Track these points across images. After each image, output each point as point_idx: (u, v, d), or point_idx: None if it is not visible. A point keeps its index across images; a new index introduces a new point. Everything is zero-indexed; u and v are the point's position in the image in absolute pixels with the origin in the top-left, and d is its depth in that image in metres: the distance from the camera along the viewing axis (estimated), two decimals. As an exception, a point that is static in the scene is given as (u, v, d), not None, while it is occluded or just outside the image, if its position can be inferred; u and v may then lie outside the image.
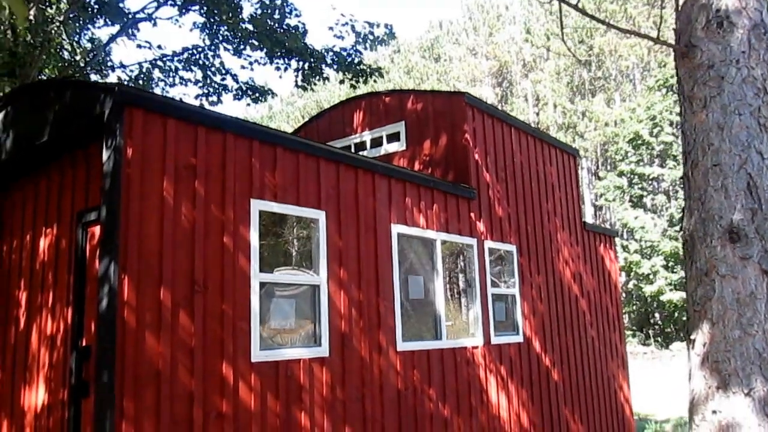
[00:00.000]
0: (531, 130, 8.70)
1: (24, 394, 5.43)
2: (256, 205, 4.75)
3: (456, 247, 7.01)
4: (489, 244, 7.32)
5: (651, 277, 29.41)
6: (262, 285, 4.73)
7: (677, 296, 28.57)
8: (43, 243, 5.49)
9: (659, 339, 30.87)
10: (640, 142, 31.69)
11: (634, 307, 32.70)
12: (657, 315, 32.23)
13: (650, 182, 32.59)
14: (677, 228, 30.07)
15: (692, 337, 3.27)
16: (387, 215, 5.94)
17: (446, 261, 6.95)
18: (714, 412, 3.01)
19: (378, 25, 10.60)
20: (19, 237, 5.82)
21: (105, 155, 4.02)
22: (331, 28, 10.65)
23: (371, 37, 10.54)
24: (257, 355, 4.56)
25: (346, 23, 10.59)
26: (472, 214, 7.14)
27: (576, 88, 40.37)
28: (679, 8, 3.66)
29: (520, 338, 7.59)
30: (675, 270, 29.35)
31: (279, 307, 4.85)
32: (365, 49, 10.47)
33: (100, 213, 4.13)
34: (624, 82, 39.11)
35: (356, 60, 10.53)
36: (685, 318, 29.18)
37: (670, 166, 31.22)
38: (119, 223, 3.88)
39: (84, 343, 4.89)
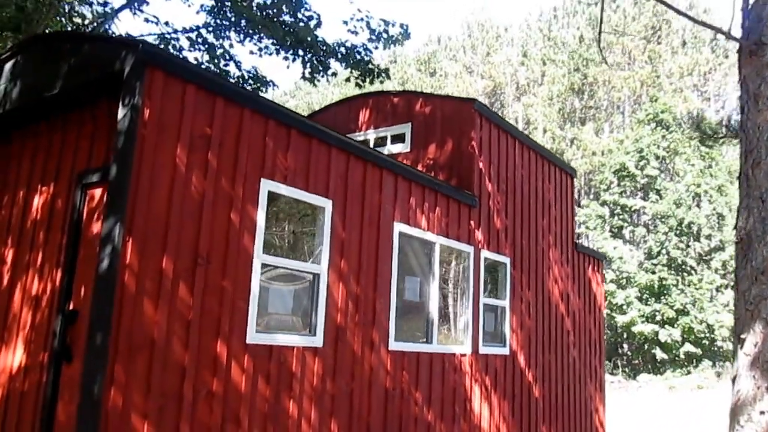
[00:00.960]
0: (533, 144, 8.70)
1: (0, 354, 5.22)
2: (266, 186, 4.64)
3: (453, 252, 6.95)
4: (485, 253, 7.28)
5: (624, 307, 29.67)
6: (264, 267, 4.61)
7: (648, 328, 28.85)
8: (38, 201, 5.32)
9: (626, 369, 31.11)
10: (625, 173, 32.04)
11: (605, 336, 32.94)
12: (626, 346, 32.51)
13: (631, 214, 32.95)
14: (654, 261, 30.37)
15: (742, 336, 3.22)
16: (391, 212, 5.87)
17: (442, 265, 6.88)
18: (762, 412, 2.97)
19: (393, 24, 10.52)
20: (11, 192, 5.63)
21: (121, 113, 3.89)
22: (345, 22, 10.56)
23: (385, 35, 10.47)
24: (252, 336, 4.44)
25: (362, 19, 10.52)
26: (472, 222, 7.09)
27: (567, 115, 40.78)
28: (749, 6, 3.64)
29: (506, 351, 7.55)
30: (648, 302, 29.65)
31: (278, 292, 4.74)
32: (376, 48, 10.41)
33: (107, 172, 4.00)
34: (614, 113, 39.61)
35: (366, 58, 10.45)
36: (657, 349, 29.49)
37: (652, 200, 31.60)
38: (129, 183, 3.75)
39: (71, 307, 4.72)
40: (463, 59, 47.23)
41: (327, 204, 5.16)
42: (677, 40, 33.75)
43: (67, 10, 8.72)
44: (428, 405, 6.12)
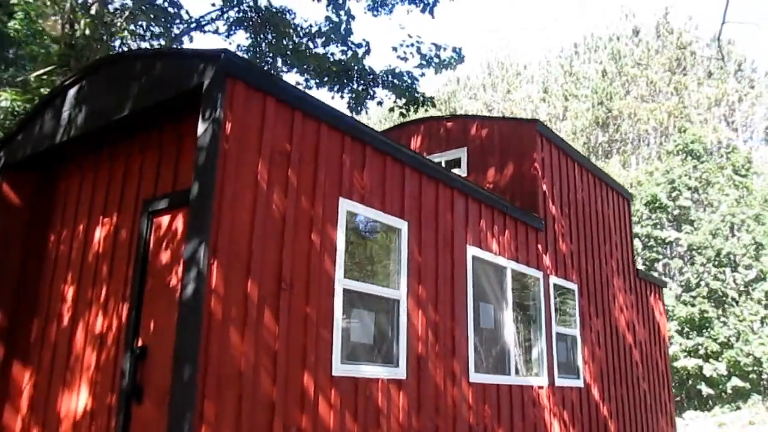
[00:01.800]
0: (592, 167, 8.39)
1: (62, 398, 4.92)
2: (344, 205, 4.36)
3: (523, 278, 6.58)
4: (554, 279, 6.90)
5: (665, 342, 28.66)
6: (345, 292, 4.29)
7: (692, 363, 27.79)
8: (100, 233, 5.09)
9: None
10: (657, 205, 31.43)
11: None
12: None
13: (665, 246, 32.20)
14: (693, 293, 29.50)
15: None
16: (463, 235, 5.55)
17: (512, 292, 6.51)
18: None
19: (445, 48, 10.36)
20: (70, 225, 5.41)
21: (201, 128, 3.66)
22: (395, 48, 10.42)
23: (437, 60, 10.30)
24: (338, 368, 4.10)
25: (412, 44, 10.36)
26: (539, 246, 6.74)
27: (592, 148, 40.44)
28: None
29: (580, 383, 7.08)
30: (690, 336, 28.66)
31: (360, 319, 4.41)
32: (423, 75, 10.19)
33: (177, 198, 3.75)
34: (641, 145, 39.20)
35: (413, 84, 10.24)
36: (702, 384, 28.31)
37: (686, 231, 30.90)
38: (212, 202, 3.49)
39: (140, 343, 4.43)
40: (483, 97, 47.39)
41: (403, 225, 4.86)
42: (702, 71, 33.54)
43: (118, 45, 8.75)
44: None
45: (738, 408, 28.25)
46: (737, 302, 29.69)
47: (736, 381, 28.16)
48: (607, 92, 36.22)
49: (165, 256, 4.48)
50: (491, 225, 5.94)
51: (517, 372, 5.97)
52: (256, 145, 3.82)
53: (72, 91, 4.96)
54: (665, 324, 10.03)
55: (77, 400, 4.77)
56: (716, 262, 29.49)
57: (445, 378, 5.01)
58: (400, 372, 4.58)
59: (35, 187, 5.71)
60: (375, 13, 9.95)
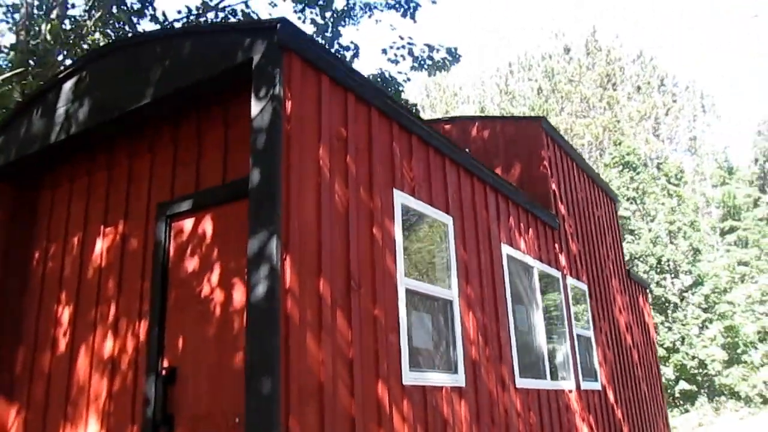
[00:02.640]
0: (586, 166, 8.28)
1: (64, 437, 4.23)
2: (399, 198, 3.96)
3: (546, 278, 6.32)
4: (569, 280, 6.67)
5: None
6: (407, 293, 3.87)
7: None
8: (101, 244, 4.47)
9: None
10: (599, 216, 32.24)
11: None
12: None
13: (609, 256, 33.01)
14: (640, 301, 30.23)
15: None
16: (497, 233, 5.23)
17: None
18: None
19: (438, 49, 10.01)
20: (60, 239, 4.76)
21: (256, 108, 3.19)
22: (384, 51, 10.01)
23: (430, 61, 9.95)
24: (408, 377, 3.66)
25: (403, 46, 9.95)
26: (556, 245, 6.51)
27: (530, 164, 41.23)
28: None
29: (598, 386, 6.85)
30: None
31: (420, 322, 3.99)
32: (419, 74, 9.81)
33: (203, 198, 3.26)
34: (577, 160, 40.24)
35: (400, 90, 9.88)
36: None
37: (628, 240, 31.81)
38: (280, 188, 3.02)
39: (167, 364, 3.85)
40: (424, 117, 47.73)
41: (449, 221, 4.49)
42: (631, 86, 34.94)
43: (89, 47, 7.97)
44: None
45: (686, 411, 29.01)
46: (679, 307, 30.70)
47: (683, 384, 28.95)
48: (543, 109, 37.18)
49: (191, 264, 3.94)
50: (518, 223, 5.65)
51: (551, 376, 5.66)
52: (315, 128, 3.38)
53: (68, 84, 4.36)
54: (653, 325, 10.01)
55: (85, 438, 4.11)
56: (658, 269, 30.44)
57: (496, 384, 4.64)
58: (460, 379, 4.18)
59: (14, 199, 5.01)
60: (352, 20, 9.60)
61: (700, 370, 29.35)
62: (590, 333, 6.96)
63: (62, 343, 4.50)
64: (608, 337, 7.59)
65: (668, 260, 30.57)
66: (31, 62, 7.15)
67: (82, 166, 4.80)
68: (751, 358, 29.04)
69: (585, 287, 7.09)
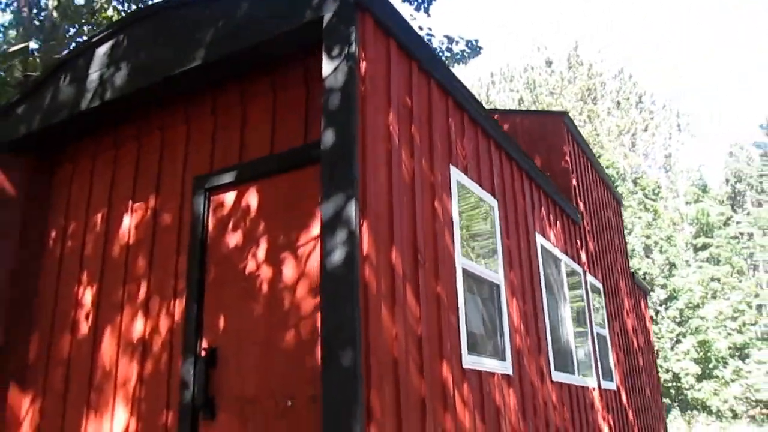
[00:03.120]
0: (598, 164, 8.25)
1: (87, 423, 3.95)
2: (455, 174, 3.81)
3: (571, 273, 6.22)
4: (589, 277, 6.59)
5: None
6: (463, 272, 3.72)
7: (620, 382, 28.51)
8: (128, 221, 4.22)
9: None
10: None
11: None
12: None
13: (586, 269, 33.22)
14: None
15: None
16: (533, 222, 5.12)
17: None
18: None
19: (457, 41, 9.85)
20: (81, 216, 4.49)
21: (328, 67, 3.02)
22: None
23: (448, 53, 9.79)
24: (467, 360, 3.49)
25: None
26: (578, 241, 6.42)
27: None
28: None
29: (614, 386, 6.76)
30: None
31: (474, 304, 3.83)
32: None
33: (244, 170, 3.07)
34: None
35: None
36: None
37: (606, 254, 32.05)
38: (356, 150, 2.84)
39: (206, 345, 3.63)
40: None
41: (495, 203, 4.36)
42: (611, 101, 35.46)
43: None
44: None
45: (661, 423, 29.30)
46: (655, 321, 31.05)
47: (657, 397, 29.24)
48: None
49: (233, 239, 3.73)
50: (548, 214, 5.55)
51: (578, 372, 5.55)
52: (385, 93, 3.22)
53: (103, 49, 4.12)
54: (651, 330, 10.00)
55: (111, 424, 3.85)
56: (634, 282, 30.79)
57: (536, 375, 4.50)
58: (508, 367, 4.03)
59: (31, 174, 4.73)
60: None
61: (674, 384, 29.69)
62: (606, 332, 6.88)
63: (84, 326, 4.23)
64: (620, 339, 7.52)
65: (644, 274, 30.93)
66: (34, 40, 6.84)
67: (107, 139, 4.56)
68: (722, 373, 29.47)
69: (600, 286, 7.02)
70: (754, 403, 28.56)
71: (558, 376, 4.91)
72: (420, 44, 3.54)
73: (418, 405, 2.93)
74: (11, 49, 6.53)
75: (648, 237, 31.52)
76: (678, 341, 31.53)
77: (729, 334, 29.89)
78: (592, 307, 6.37)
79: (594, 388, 5.90)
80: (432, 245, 3.38)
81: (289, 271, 3.41)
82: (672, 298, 31.65)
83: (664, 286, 31.59)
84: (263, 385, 3.34)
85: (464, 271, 3.70)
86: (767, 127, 42.71)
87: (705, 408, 29.87)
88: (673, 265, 31.31)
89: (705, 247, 34.81)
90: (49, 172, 4.79)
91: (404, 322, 2.95)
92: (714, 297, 31.84)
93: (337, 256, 2.73)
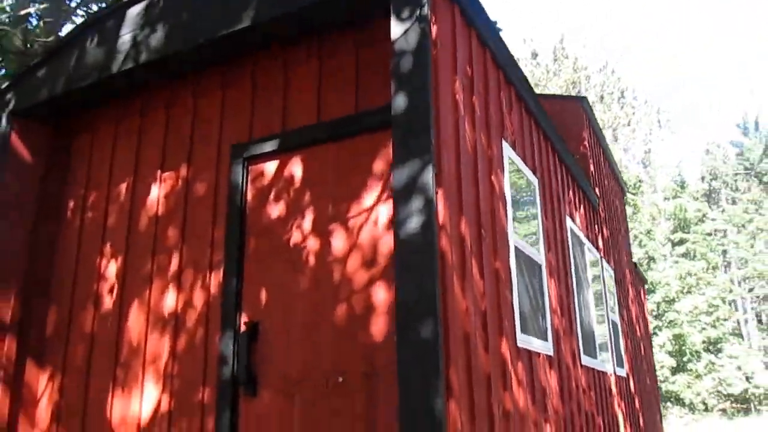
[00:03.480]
0: (610, 154, 8.23)
1: (112, 402, 3.78)
2: (506, 149, 3.71)
3: (590, 258, 6.17)
4: (605, 263, 6.56)
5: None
6: (515, 250, 3.62)
7: (597, 373, 28.92)
8: (157, 191, 4.04)
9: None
10: (559, 221, 32.74)
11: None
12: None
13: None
14: (596, 306, 30.85)
15: None
16: (564, 204, 5.04)
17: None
18: None
19: None
20: (104, 185, 4.29)
21: (398, 29, 2.88)
22: None
23: None
24: (520, 339, 3.41)
25: None
26: (596, 226, 6.38)
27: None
28: None
29: (624, 373, 6.76)
30: (594, 347, 29.86)
31: (522, 282, 3.74)
32: None
33: (287, 138, 2.94)
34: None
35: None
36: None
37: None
38: (430, 114, 2.71)
39: (246, 319, 3.48)
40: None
41: (536, 182, 4.27)
42: (594, 96, 35.69)
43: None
44: (605, 434, 5.17)
45: (635, 414, 29.79)
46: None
47: (633, 388, 29.71)
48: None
49: (275, 210, 3.58)
50: (574, 197, 5.49)
51: (598, 357, 5.51)
52: (452, 60, 3.10)
53: (136, 9, 3.91)
54: (649, 320, 10.07)
55: (141, 402, 3.68)
56: (613, 276, 31.17)
57: (570, 358, 4.44)
58: (550, 348, 3.96)
59: (50, 142, 4.51)
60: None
61: (650, 375, 30.21)
62: (617, 319, 6.87)
63: (108, 300, 4.04)
64: (627, 327, 7.53)
65: (623, 267, 31.32)
66: (35, 6, 6.54)
67: (132, 105, 4.35)
68: (696, 366, 30.03)
69: (613, 273, 7.00)
70: (725, 397, 29.18)
71: (585, 360, 4.86)
72: (480, 12, 3.41)
73: (485, 382, 2.83)
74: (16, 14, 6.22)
75: (629, 230, 31.90)
76: (654, 334, 32.05)
77: (703, 328, 30.45)
78: (608, 293, 6.34)
79: (611, 374, 5.87)
80: (491, 220, 3.28)
81: (339, 243, 3.28)
82: (650, 291, 32.13)
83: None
84: (311, 361, 3.21)
85: (515, 248, 3.61)
86: (743, 126, 43.53)
87: (678, 400, 30.46)
88: (652, 259, 31.76)
89: (682, 242, 35.37)
90: (67, 139, 4.57)
91: (472, 296, 2.84)
92: (689, 292, 32.42)
93: (414, 223, 2.60)
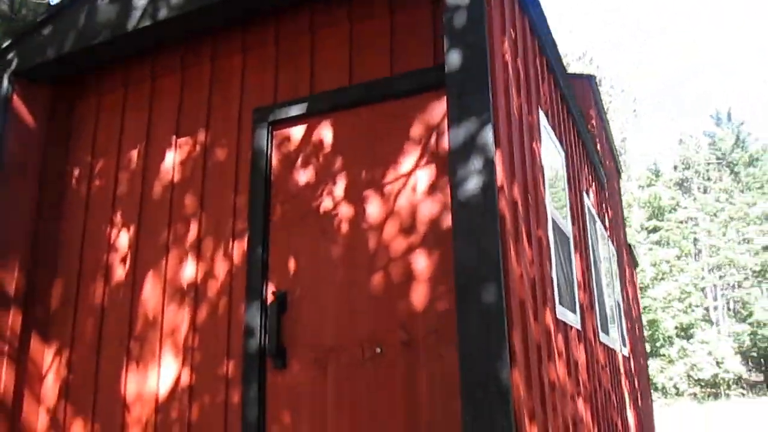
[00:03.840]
0: (610, 134, 8.20)
1: (126, 377, 3.60)
2: (543, 120, 3.60)
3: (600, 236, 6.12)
4: (609, 242, 6.53)
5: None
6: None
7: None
8: (172, 157, 3.85)
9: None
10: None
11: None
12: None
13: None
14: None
15: None
16: (582, 180, 4.98)
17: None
18: None
19: None
20: (113, 152, 4.08)
21: (451, -16, 2.73)
22: None
23: None
24: (558, 310, 3.32)
25: None
26: (603, 205, 6.34)
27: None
28: None
29: (627, 351, 6.77)
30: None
31: (556, 253, 3.65)
32: None
33: (316, 101, 2.80)
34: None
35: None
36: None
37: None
38: (488, 71, 2.58)
39: (274, 289, 3.33)
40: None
41: (563, 155, 4.18)
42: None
43: None
44: (618, 411, 5.14)
45: (608, 398, 30.34)
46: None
47: (607, 372, 30.23)
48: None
49: (303, 176, 3.43)
50: (588, 174, 5.43)
51: (610, 335, 5.49)
52: (502, 19, 2.97)
53: (154, -38, 3.68)
54: (640, 302, 10.14)
55: (158, 377, 3.52)
56: (589, 262, 31.55)
57: (591, 333, 4.38)
58: (578, 321, 3.89)
59: (53, 105, 4.27)
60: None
61: (624, 360, 30.75)
62: (620, 299, 6.86)
63: (120, 271, 3.85)
64: (624, 307, 7.54)
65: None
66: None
67: (143, 68, 4.13)
68: (668, 351, 30.69)
69: (615, 253, 6.99)
70: (696, 382, 29.89)
71: (602, 337, 4.82)
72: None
73: (536, 351, 2.73)
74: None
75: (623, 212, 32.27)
76: (627, 320, 32.58)
77: (676, 314, 31.11)
78: (614, 272, 6.32)
79: (619, 352, 5.86)
80: (534, 188, 3.17)
81: (374, 210, 3.15)
82: (623, 278, 32.57)
83: (617, 267, 32.43)
84: (345, 332, 3.09)
85: (552, 218, 3.52)
86: (716, 117, 44.29)
87: (651, 384, 31.10)
88: (628, 246, 32.19)
89: (656, 229, 35.99)
90: (71, 103, 4.34)
91: (524, 262, 2.74)
92: (663, 278, 33.06)
93: (473, 184, 2.48)
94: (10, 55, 4.07)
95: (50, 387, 3.86)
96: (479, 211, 2.43)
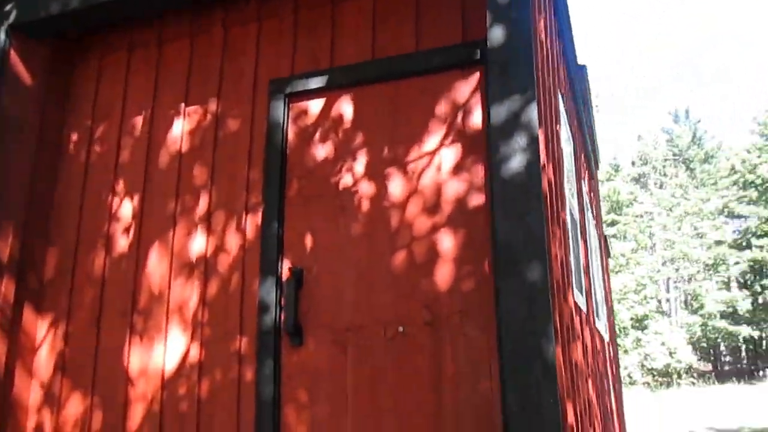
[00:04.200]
0: (594, 124, 8.29)
1: (129, 353, 3.48)
2: (561, 103, 3.60)
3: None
4: (594, 230, 6.63)
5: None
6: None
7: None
8: (180, 126, 3.72)
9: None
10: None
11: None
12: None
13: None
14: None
15: None
16: (579, 167, 5.02)
17: (580, 239, 6.11)
18: None
19: None
20: (115, 119, 3.91)
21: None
22: None
23: None
24: (576, 293, 3.34)
25: None
26: (592, 194, 6.43)
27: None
28: None
29: (607, 339, 6.90)
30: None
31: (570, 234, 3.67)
32: None
33: (337, 75, 2.75)
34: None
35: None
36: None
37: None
38: (533, 47, 2.56)
39: (290, 265, 3.26)
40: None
41: (571, 141, 4.20)
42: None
43: None
44: (604, 399, 5.24)
45: (564, 385, 31.02)
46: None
47: (563, 361, 30.90)
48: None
49: (321, 151, 3.36)
50: (582, 162, 5.48)
51: (599, 321, 5.58)
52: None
53: None
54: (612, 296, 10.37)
55: (165, 353, 3.40)
56: (550, 253, 32.09)
57: (592, 317, 4.44)
58: (585, 305, 3.93)
59: (51, 66, 4.06)
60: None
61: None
62: (602, 288, 6.99)
63: (122, 242, 3.70)
64: (601, 294, 7.69)
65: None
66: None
67: (150, 31, 3.97)
68: (623, 342, 31.52)
69: (598, 242, 7.11)
70: (649, 371, 30.83)
71: (596, 322, 4.90)
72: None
73: (566, 331, 2.74)
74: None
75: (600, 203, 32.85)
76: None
77: (632, 306, 31.94)
78: (599, 257, 6.42)
79: (604, 339, 5.97)
80: (559, 170, 3.17)
81: (396, 188, 3.11)
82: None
83: (576, 258, 33.08)
84: (365, 310, 3.04)
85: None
86: (674, 114, 45.44)
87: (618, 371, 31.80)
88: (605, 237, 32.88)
89: (614, 223, 36.84)
90: (71, 64, 4.14)
91: (556, 242, 2.74)
92: (620, 271, 33.87)
93: (516, 163, 2.46)
94: (9, 7, 3.85)
95: (44, 360, 3.70)
96: (523, 190, 2.41)
